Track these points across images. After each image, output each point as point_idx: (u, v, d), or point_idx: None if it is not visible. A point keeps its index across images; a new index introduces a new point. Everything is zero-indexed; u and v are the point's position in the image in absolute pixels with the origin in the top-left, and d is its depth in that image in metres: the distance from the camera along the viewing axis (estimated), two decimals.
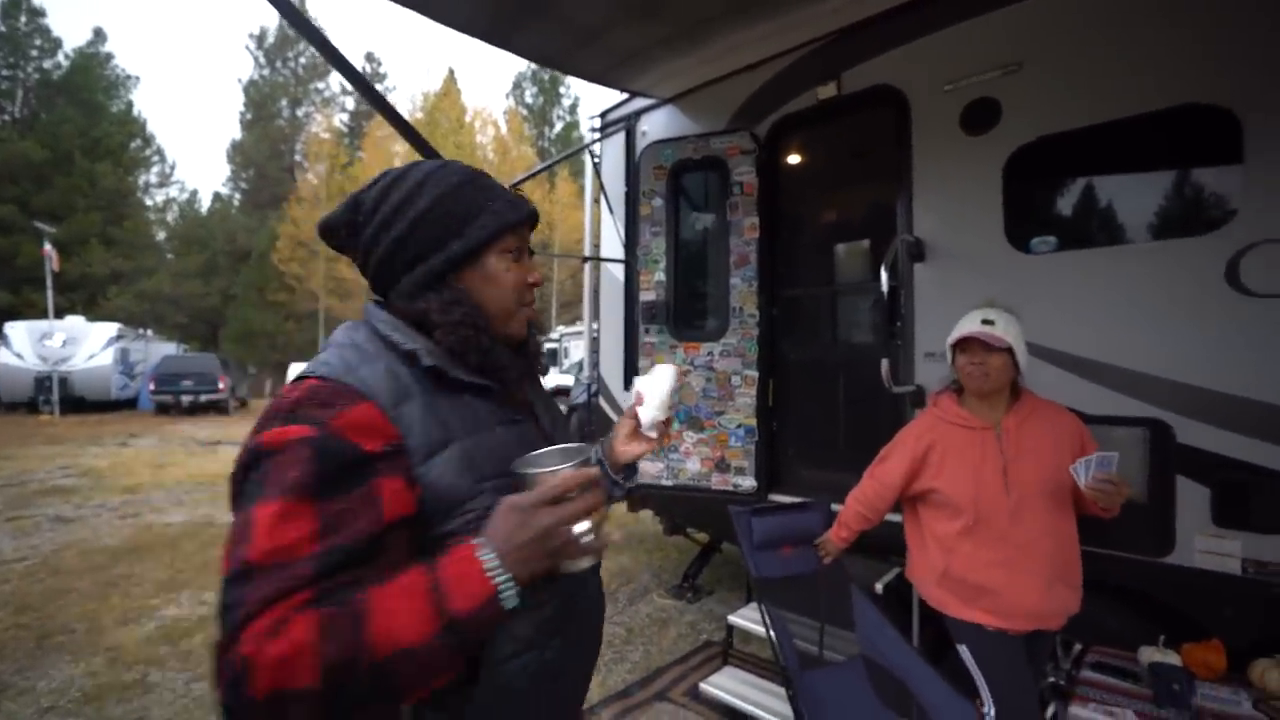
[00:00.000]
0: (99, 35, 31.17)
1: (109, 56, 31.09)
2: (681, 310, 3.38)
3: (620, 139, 3.84)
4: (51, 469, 8.69)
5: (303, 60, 37.59)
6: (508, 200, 0.89)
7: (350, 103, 39.36)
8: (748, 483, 3.11)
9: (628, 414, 1.06)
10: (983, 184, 2.43)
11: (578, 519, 0.69)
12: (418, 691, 0.66)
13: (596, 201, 4.17)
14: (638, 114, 3.76)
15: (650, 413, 1.03)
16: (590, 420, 4.44)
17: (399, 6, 2.47)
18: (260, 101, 35.80)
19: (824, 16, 2.81)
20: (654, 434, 1.04)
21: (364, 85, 2.36)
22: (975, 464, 1.72)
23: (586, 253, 4.25)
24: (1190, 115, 2.02)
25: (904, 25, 2.66)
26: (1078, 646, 2.17)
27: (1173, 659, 1.87)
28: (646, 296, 3.38)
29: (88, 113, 27.90)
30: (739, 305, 3.15)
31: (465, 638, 0.64)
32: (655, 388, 1.03)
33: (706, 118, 3.40)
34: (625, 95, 3.78)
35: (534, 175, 4.55)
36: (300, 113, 37.47)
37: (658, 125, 3.63)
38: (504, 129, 32.74)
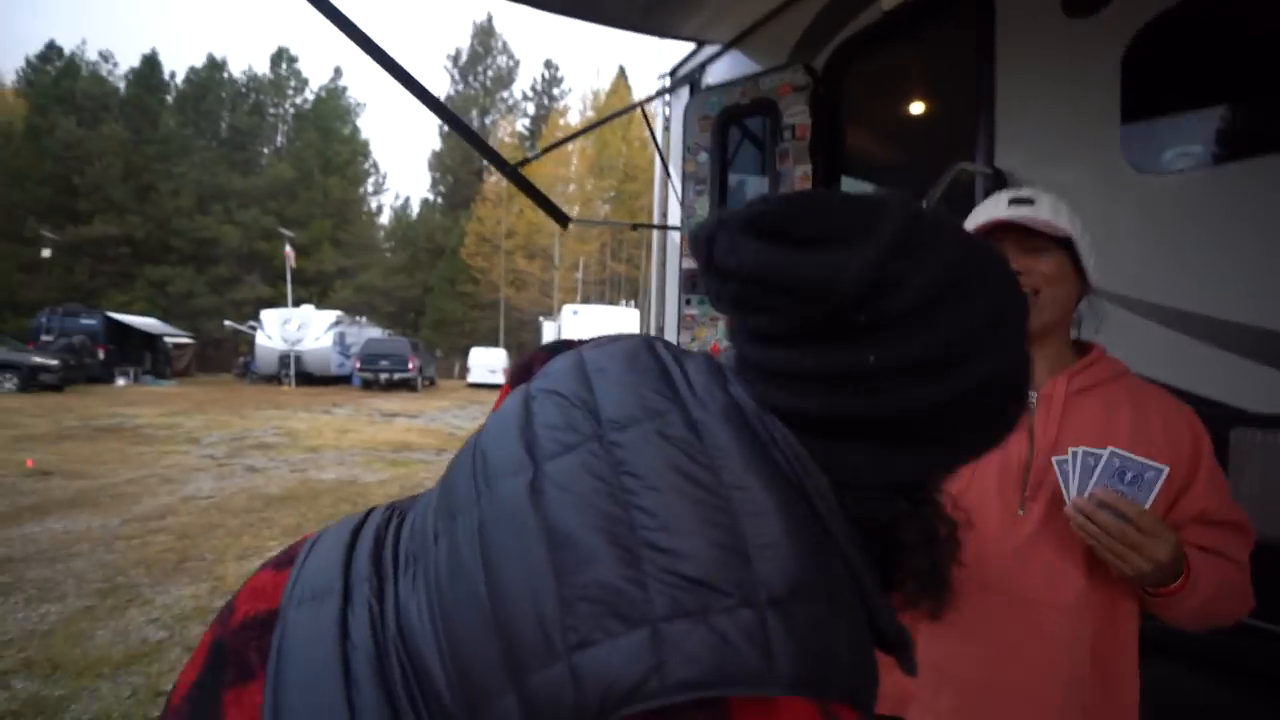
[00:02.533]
0: (338, 72, 37.42)
1: (344, 89, 37.08)
2: None
3: (686, 95, 3.50)
4: (266, 428, 10.53)
5: (490, 74, 41.49)
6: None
7: (531, 108, 42.67)
8: None
9: None
10: (1092, 85, 1.73)
11: None
12: None
13: (665, 166, 3.87)
14: (702, 66, 3.38)
15: None
16: None
17: None
18: (455, 112, 40.24)
19: None
20: None
21: (416, 86, 2.42)
22: None
23: (655, 221, 3.97)
24: None
25: None
26: None
27: None
28: (689, 264, 3.02)
29: (325, 137, 33.55)
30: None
31: None
32: None
33: (767, 59, 2.93)
34: (693, 47, 3.44)
35: (582, 134, 4.37)
36: (488, 120, 41.47)
37: (720, 75, 3.23)
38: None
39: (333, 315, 21.32)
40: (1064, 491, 0.85)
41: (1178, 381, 1.54)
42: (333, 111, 35.76)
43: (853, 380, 0.39)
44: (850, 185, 2.72)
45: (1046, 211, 0.95)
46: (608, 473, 0.36)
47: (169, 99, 33.94)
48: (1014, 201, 0.98)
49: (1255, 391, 1.41)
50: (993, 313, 0.41)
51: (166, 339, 22.30)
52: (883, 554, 0.42)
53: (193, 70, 35.00)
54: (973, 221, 1.02)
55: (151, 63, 33.68)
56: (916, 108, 2.73)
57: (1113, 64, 1.69)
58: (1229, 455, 1.43)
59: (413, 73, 2.45)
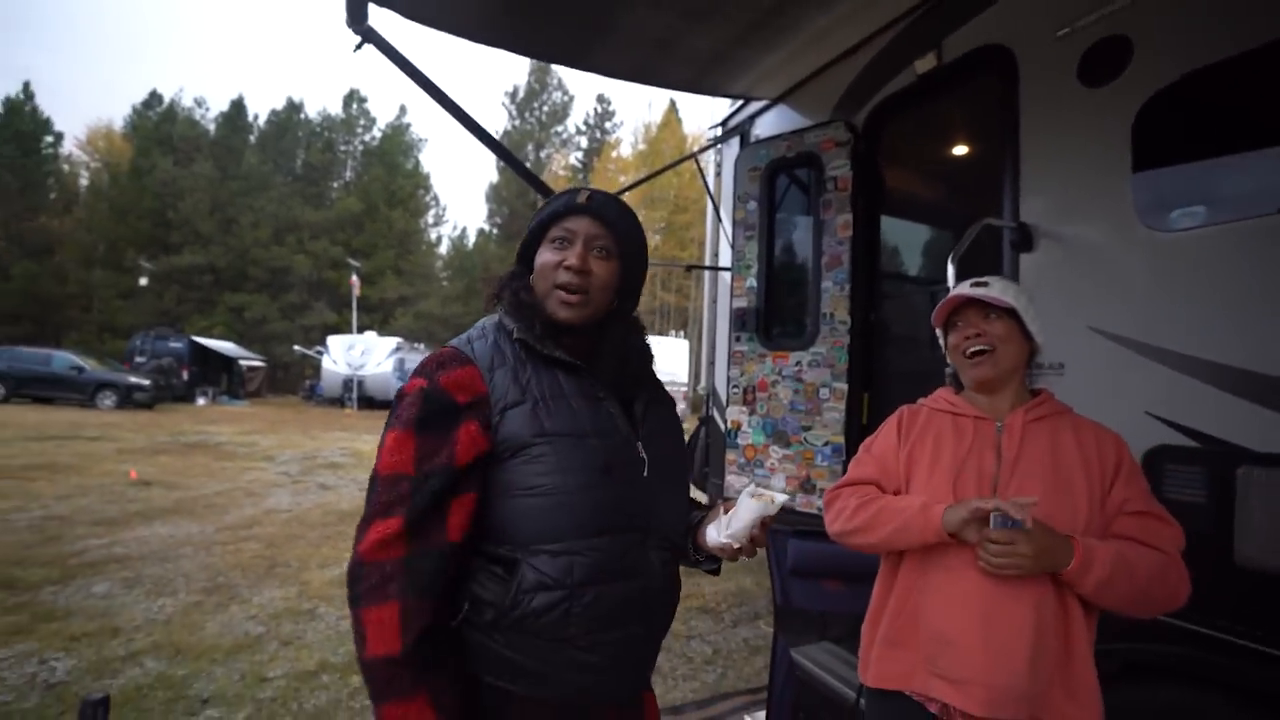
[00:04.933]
0: (402, 110, 39.56)
1: (408, 126, 39.23)
2: (772, 317, 3.19)
3: (736, 145, 3.78)
4: (333, 449, 11.17)
5: (545, 109, 43.14)
6: (560, 197, 1.07)
7: (584, 142, 44.06)
8: None
9: (721, 507, 1.09)
10: (1106, 147, 1.91)
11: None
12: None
13: (717, 210, 4.14)
14: (751, 118, 3.67)
15: (717, 537, 1.04)
16: (706, 433, 4.38)
17: (487, 47, 2.80)
18: (512, 147, 41.86)
19: None
20: (723, 548, 1.05)
21: (473, 125, 2.77)
22: (957, 463, 1.27)
23: (706, 262, 4.23)
24: None
25: None
26: None
27: None
28: (739, 303, 3.26)
29: (390, 171, 35.47)
30: (829, 311, 2.87)
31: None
32: (742, 515, 1.01)
33: (812, 114, 3.19)
34: (741, 101, 3.73)
35: (641, 183, 4.68)
36: (543, 154, 42.98)
37: (767, 127, 3.50)
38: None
39: (394, 342, 22.36)
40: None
41: (1179, 418, 1.68)
42: (397, 147, 37.91)
43: None
44: (889, 231, 2.91)
45: (997, 291, 1.28)
46: None
47: (252, 139, 36.75)
48: (975, 284, 1.32)
49: (1267, 431, 1.54)
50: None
51: (241, 362, 23.84)
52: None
53: (273, 112, 37.83)
54: (943, 303, 1.37)
55: (239, 106, 36.66)
56: (949, 163, 2.92)
57: (1124, 127, 1.87)
58: (1235, 490, 1.56)
59: (472, 111, 2.79)
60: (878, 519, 1.27)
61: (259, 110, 45.47)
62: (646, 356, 1.15)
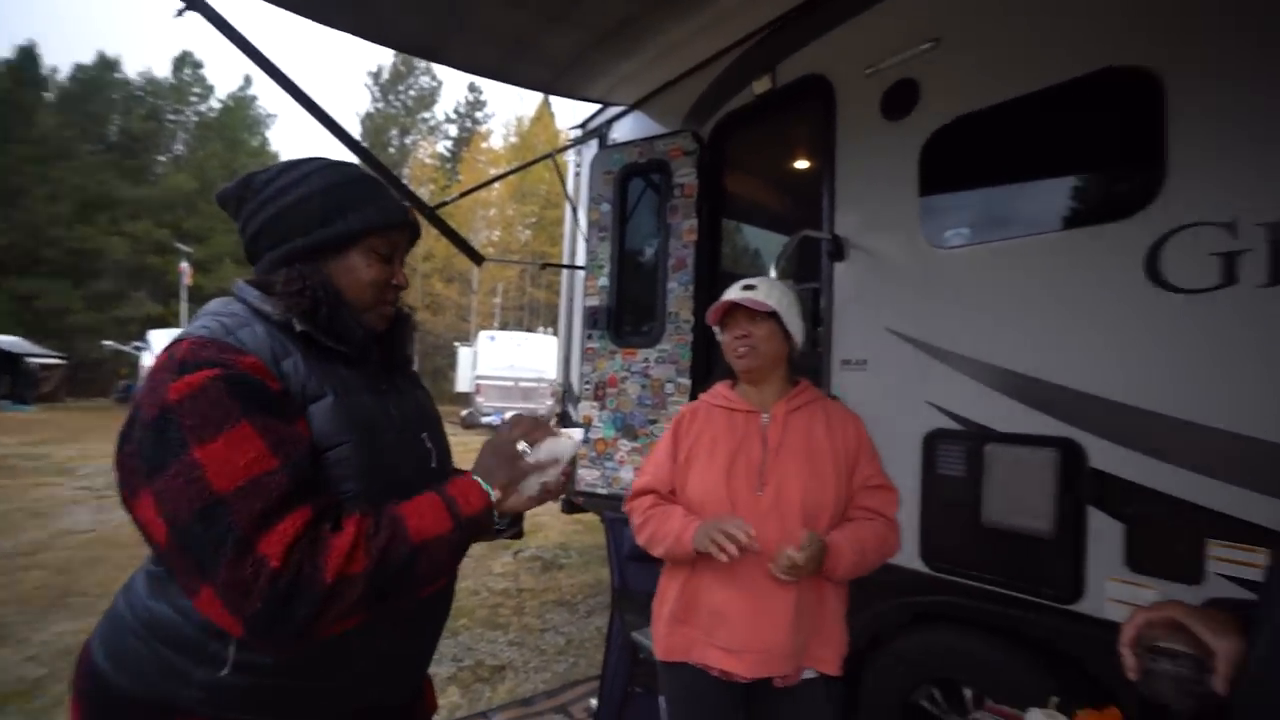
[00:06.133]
0: (247, 81, 35.53)
1: (253, 99, 35.33)
2: (622, 316, 3.30)
3: (595, 146, 3.84)
4: None
5: (412, 93, 40.91)
6: (386, 206, 0.99)
7: (453, 130, 42.31)
8: None
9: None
10: (900, 173, 2.20)
11: (519, 440, 0.94)
12: (433, 581, 0.86)
13: (574, 210, 4.19)
14: (610, 122, 3.76)
15: (532, 486, 0.96)
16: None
17: (337, 31, 2.63)
18: (375, 131, 39.20)
19: (750, 8, 2.67)
20: (535, 493, 0.97)
21: (311, 104, 2.56)
22: (731, 454, 1.44)
23: (565, 260, 4.27)
24: (1109, 80, 1.73)
25: (830, 11, 2.48)
26: (968, 694, 1.88)
27: None
28: (591, 302, 3.33)
29: (230, 147, 31.75)
30: (675, 310, 3.03)
31: (469, 533, 0.87)
32: (544, 449, 0.96)
33: (665, 121, 3.34)
34: (600, 105, 3.80)
35: (495, 181, 4.66)
36: (408, 140, 40.69)
37: (623, 132, 3.60)
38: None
39: None
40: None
41: (950, 405, 1.99)
42: (240, 121, 33.97)
43: (248, 226, 0.97)
44: (731, 236, 3.12)
45: (761, 295, 1.45)
46: None
47: (49, 96, 31.14)
48: (744, 287, 1.48)
49: (1010, 417, 1.86)
50: (296, 180, 0.96)
51: (31, 359, 20.15)
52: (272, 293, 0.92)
53: (79, 67, 32.35)
54: (715, 305, 1.51)
55: (29, 55, 30.88)
56: (782, 176, 3.20)
57: (913, 157, 2.17)
58: (983, 462, 1.87)
59: (326, 90, 2.63)
60: (654, 539, 1.44)
61: (58, 63, 38.64)
62: (412, 345, 1.14)
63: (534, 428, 0.96)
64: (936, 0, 2.14)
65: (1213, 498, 1.49)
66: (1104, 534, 1.65)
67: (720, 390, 1.58)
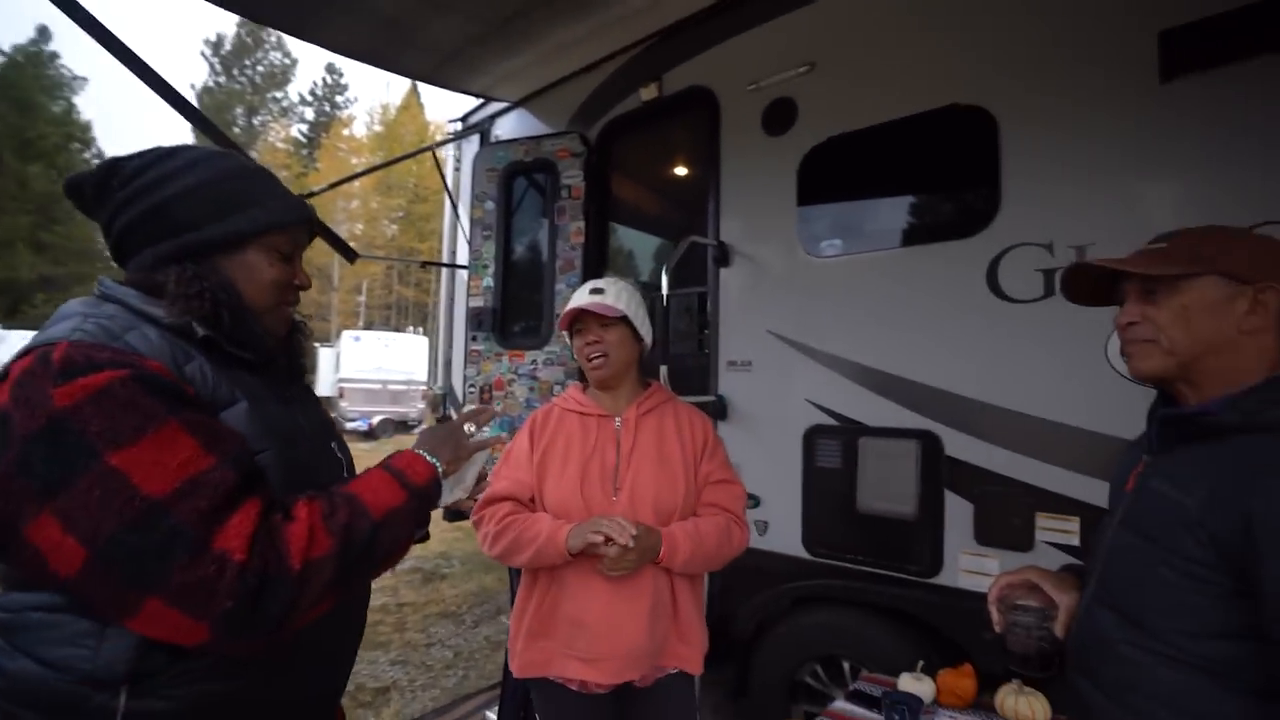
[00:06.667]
0: (43, 34, 30.15)
1: (53, 55, 30.08)
2: (508, 317, 3.22)
3: (476, 142, 3.71)
4: None
5: (260, 69, 37.09)
6: (286, 202, 0.93)
7: (310, 113, 38.90)
8: None
9: None
10: (780, 186, 2.35)
11: (467, 423, 1.00)
12: (391, 559, 0.86)
13: (455, 207, 4.02)
14: (492, 118, 3.64)
15: (448, 497, 0.97)
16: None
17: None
18: (215, 109, 34.96)
19: (639, 16, 2.72)
20: (458, 503, 1.01)
21: (156, 78, 2.21)
22: (584, 459, 1.42)
23: (444, 259, 4.08)
24: (955, 116, 1.96)
25: (717, 26, 2.59)
26: (847, 667, 2.04)
27: (928, 686, 1.75)
28: (475, 303, 3.22)
29: (21, 112, 26.83)
30: (563, 312, 3.00)
31: (423, 503, 0.88)
32: (468, 470, 0.99)
33: (551, 121, 3.30)
34: (482, 100, 3.67)
35: (371, 172, 4.39)
36: (256, 121, 36.85)
37: (508, 129, 3.51)
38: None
39: (25, 336, 16.95)
40: None
41: (827, 403, 2.15)
42: (35, 83, 28.72)
43: (117, 219, 0.85)
44: (618, 239, 3.16)
45: (610, 299, 1.43)
46: None
47: None
48: (592, 291, 1.46)
49: (879, 412, 2.05)
50: (176, 170, 0.85)
51: None
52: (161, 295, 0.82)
53: None
54: (570, 305, 1.48)
55: None
56: (669, 182, 3.28)
57: (791, 172, 2.32)
58: (857, 454, 2.05)
59: (153, 58, 2.25)
60: (517, 544, 1.35)
61: None
62: (312, 353, 1.12)
63: (479, 413, 1.02)
64: (813, 27, 2.30)
65: (1039, 476, 1.74)
66: (957, 514, 1.87)
67: (573, 394, 1.56)
